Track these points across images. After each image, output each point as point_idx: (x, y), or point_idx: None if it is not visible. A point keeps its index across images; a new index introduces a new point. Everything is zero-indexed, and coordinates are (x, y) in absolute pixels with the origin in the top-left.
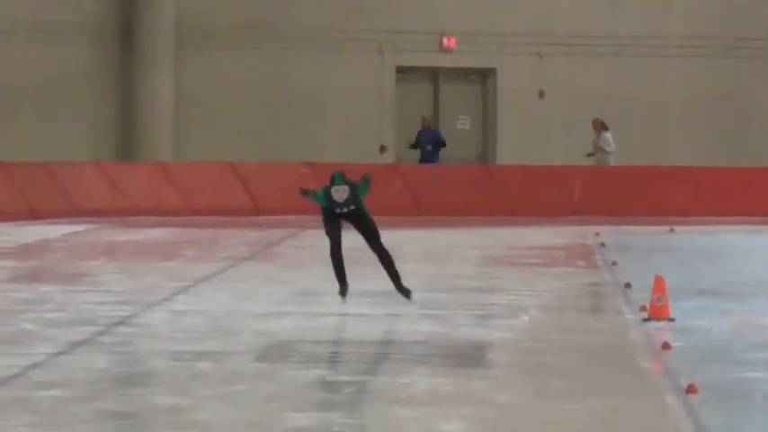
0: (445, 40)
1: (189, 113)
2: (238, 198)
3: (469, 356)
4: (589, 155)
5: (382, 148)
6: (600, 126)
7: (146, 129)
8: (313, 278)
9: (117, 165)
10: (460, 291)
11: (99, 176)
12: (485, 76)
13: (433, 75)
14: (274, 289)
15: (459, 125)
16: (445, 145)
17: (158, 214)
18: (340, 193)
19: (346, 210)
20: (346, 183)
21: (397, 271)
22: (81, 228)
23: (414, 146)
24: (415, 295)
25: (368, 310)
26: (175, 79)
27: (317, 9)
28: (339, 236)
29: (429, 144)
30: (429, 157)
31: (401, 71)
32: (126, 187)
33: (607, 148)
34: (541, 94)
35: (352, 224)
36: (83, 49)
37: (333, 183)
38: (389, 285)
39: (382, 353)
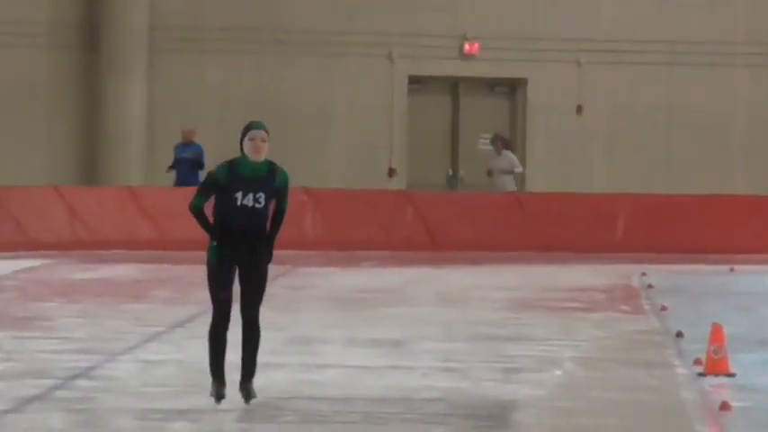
0: (467, 46)
1: (164, 129)
2: None
3: (493, 417)
4: (489, 174)
5: (392, 172)
6: (500, 142)
7: (113, 147)
8: (309, 324)
9: (78, 189)
10: (483, 340)
11: (56, 202)
12: (513, 87)
13: (452, 85)
14: (263, 336)
15: (482, 145)
16: (202, 167)
17: (126, 248)
18: (256, 146)
19: (254, 201)
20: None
21: (256, 359)
22: (35, 263)
23: (173, 166)
24: (429, 345)
25: (374, 361)
26: (148, 88)
27: (318, 7)
28: (229, 292)
29: (189, 160)
30: (185, 179)
31: (415, 81)
32: (89, 216)
33: (515, 169)
34: (579, 109)
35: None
36: (40, 52)
37: (248, 129)
38: (398, 332)
39: (390, 412)
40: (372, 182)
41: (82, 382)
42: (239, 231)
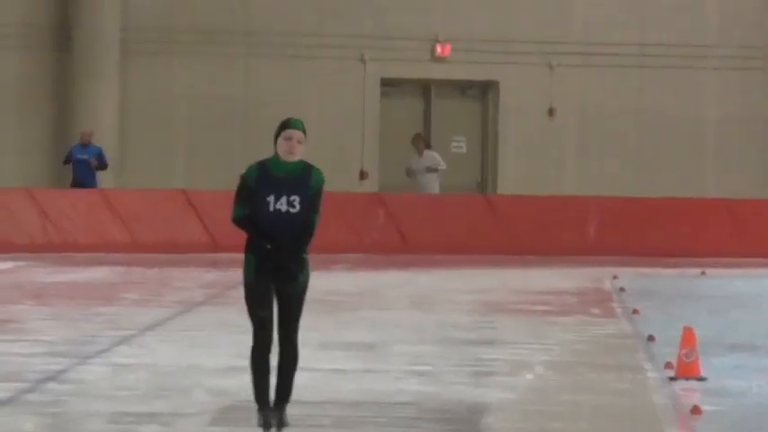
0: (439, 48)
1: (135, 131)
2: (193, 232)
3: (464, 421)
4: (409, 174)
5: (363, 174)
6: (421, 142)
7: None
8: None
9: (50, 192)
10: (454, 343)
11: (28, 205)
12: (485, 89)
13: (424, 88)
14: (234, 340)
15: (454, 147)
16: (106, 167)
17: (98, 251)
18: (292, 147)
19: (288, 204)
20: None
21: (292, 384)
22: (7, 266)
23: (66, 161)
24: (400, 348)
25: (346, 364)
26: (120, 91)
27: (289, 11)
28: (270, 311)
29: (95, 160)
30: (82, 180)
31: (387, 83)
32: (60, 218)
33: (439, 167)
34: (551, 111)
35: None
36: (11, 54)
37: (284, 127)
38: (371, 335)
39: (362, 416)
40: (344, 184)
41: (53, 386)
42: (276, 242)
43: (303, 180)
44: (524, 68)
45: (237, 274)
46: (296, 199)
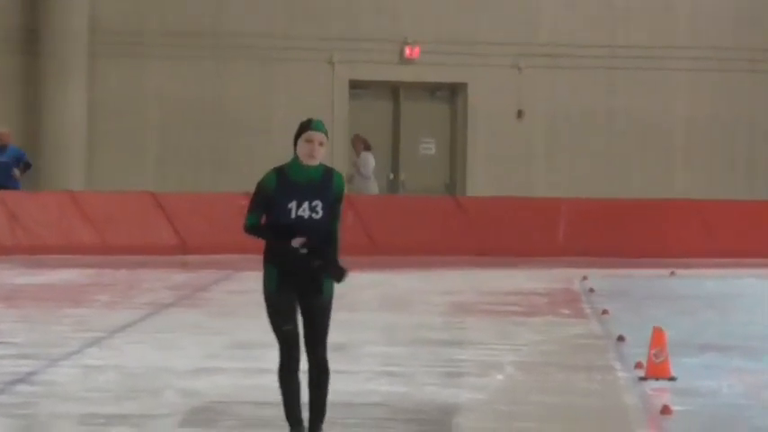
0: (407, 50)
1: (105, 133)
2: (162, 234)
3: (435, 422)
4: (348, 179)
5: None
6: (360, 144)
7: (53, 151)
8: (250, 328)
9: (18, 193)
10: (425, 344)
11: None
12: (453, 91)
13: (393, 90)
14: (204, 341)
15: (423, 149)
16: (30, 167)
17: (67, 252)
18: (313, 150)
19: (311, 210)
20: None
21: (325, 403)
22: None
23: None
24: (371, 349)
25: None
26: (89, 93)
27: (259, 13)
28: (295, 323)
29: (21, 166)
30: (5, 182)
31: (355, 86)
32: (28, 220)
33: (362, 170)
34: (520, 113)
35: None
36: None
37: (304, 129)
38: (341, 336)
39: (332, 417)
40: None
41: (23, 388)
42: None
43: (325, 184)
44: (493, 70)
45: (207, 276)
46: (318, 204)
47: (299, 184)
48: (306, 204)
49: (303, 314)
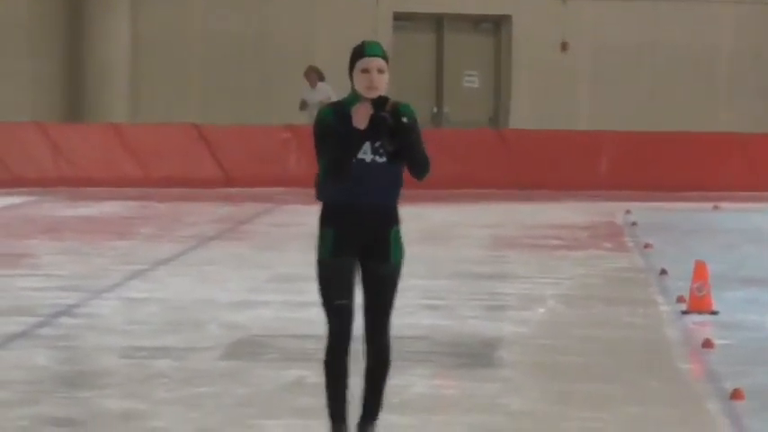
0: None
1: (148, 66)
2: (205, 167)
3: (477, 355)
4: (302, 107)
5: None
6: (315, 75)
7: (96, 84)
8: (292, 261)
9: (62, 126)
10: (467, 277)
11: (40, 139)
12: (497, 24)
13: (437, 22)
14: (247, 274)
15: (466, 82)
16: None
17: (111, 185)
18: (372, 80)
19: (374, 152)
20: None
21: (381, 397)
22: (18, 200)
23: None
24: (412, 282)
25: (356, 299)
26: (132, 25)
27: None
28: (351, 299)
29: None
30: None
31: (399, 18)
32: (72, 153)
33: (333, 99)
34: (565, 46)
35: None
36: None
37: (359, 55)
38: None
39: None
40: None
41: (66, 320)
42: (359, 204)
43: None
44: (537, 2)
45: (250, 209)
46: (382, 145)
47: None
48: (368, 145)
49: (365, 285)
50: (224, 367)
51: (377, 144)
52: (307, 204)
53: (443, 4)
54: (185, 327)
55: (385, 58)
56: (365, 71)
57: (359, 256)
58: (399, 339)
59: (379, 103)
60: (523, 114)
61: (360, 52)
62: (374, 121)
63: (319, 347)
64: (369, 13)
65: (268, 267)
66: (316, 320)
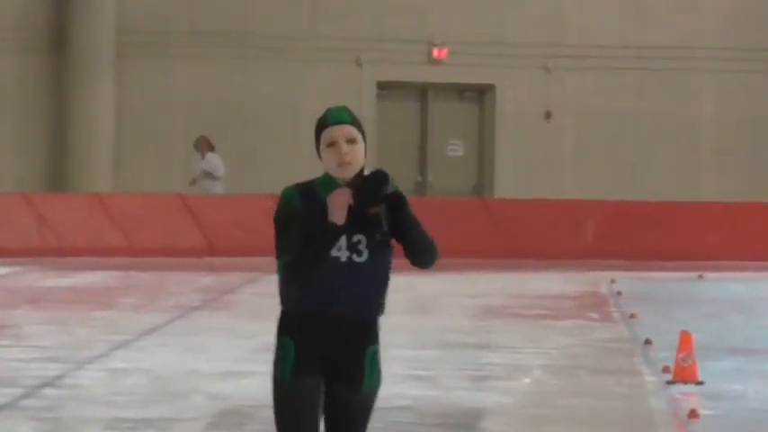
0: (435, 51)
1: (132, 135)
2: (190, 236)
3: (463, 426)
4: (192, 183)
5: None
6: (205, 145)
7: (81, 153)
8: None
9: (46, 196)
10: (452, 347)
11: (25, 210)
12: (481, 93)
13: (421, 91)
14: (231, 344)
15: (450, 151)
16: None
17: (95, 255)
18: (341, 155)
19: (351, 249)
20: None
21: None
22: (3, 271)
23: None
24: (399, 352)
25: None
26: (117, 94)
27: (286, 14)
28: (315, 419)
29: None
30: None
31: (383, 87)
32: (57, 223)
33: (216, 173)
34: (548, 114)
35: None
36: (6, 58)
37: (323, 125)
38: None
39: None
40: None
41: (50, 391)
42: (328, 315)
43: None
44: (521, 72)
45: (235, 279)
46: (360, 240)
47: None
48: (343, 240)
49: (328, 414)
50: None
51: (355, 239)
52: None
53: (427, 74)
54: (170, 397)
55: (355, 123)
56: (331, 144)
57: (323, 376)
58: (385, 410)
59: (362, 185)
60: (508, 183)
61: (322, 123)
62: (359, 191)
63: None
64: (353, 81)
65: (253, 337)
66: None
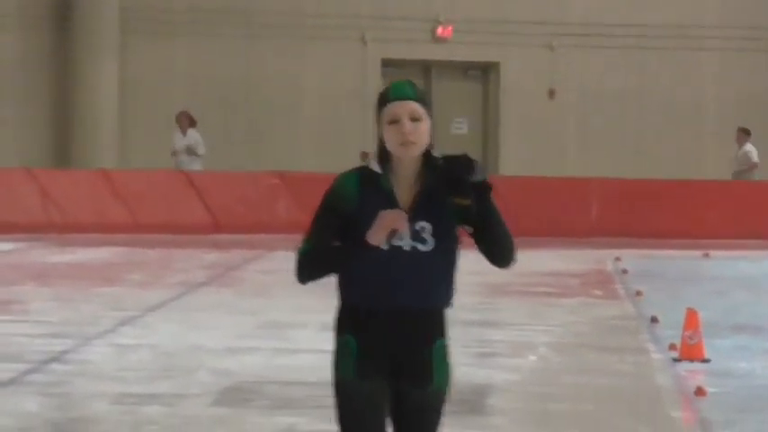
0: (440, 29)
1: (136, 112)
2: (194, 213)
3: (467, 402)
4: (174, 155)
5: (364, 155)
6: (186, 121)
7: (85, 129)
8: (281, 308)
9: (51, 172)
10: (457, 325)
11: (29, 185)
12: (485, 71)
13: (425, 69)
14: (236, 320)
15: (454, 129)
16: None
17: (100, 231)
18: (405, 134)
19: (414, 238)
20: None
21: None
22: (7, 246)
23: None
24: None
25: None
26: (120, 71)
27: None
28: (382, 421)
29: None
30: None
31: (387, 64)
32: (61, 199)
33: (198, 150)
34: (552, 93)
35: None
36: (10, 35)
37: (384, 101)
38: None
39: None
40: (345, 165)
41: (56, 366)
42: (391, 308)
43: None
44: (525, 50)
45: (239, 255)
46: (425, 227)
47: (392, 193)
48: (406, 227)
49: (396, 416)
50: (214, 414)
51: (418, 226)
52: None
53: (432, 52)
54: (175, 373)
55: (420, 99)
56: (393, 122)
57: (389, 376)
58: None
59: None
60: (512, 161)
61: (384, 98)
62: (448, 178)
63: (310, 395)
64: (357, 58)
65: (257, 314)
66: (305, 367)
